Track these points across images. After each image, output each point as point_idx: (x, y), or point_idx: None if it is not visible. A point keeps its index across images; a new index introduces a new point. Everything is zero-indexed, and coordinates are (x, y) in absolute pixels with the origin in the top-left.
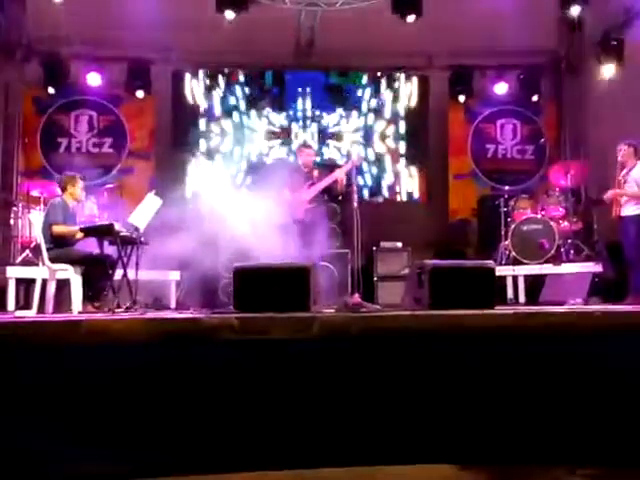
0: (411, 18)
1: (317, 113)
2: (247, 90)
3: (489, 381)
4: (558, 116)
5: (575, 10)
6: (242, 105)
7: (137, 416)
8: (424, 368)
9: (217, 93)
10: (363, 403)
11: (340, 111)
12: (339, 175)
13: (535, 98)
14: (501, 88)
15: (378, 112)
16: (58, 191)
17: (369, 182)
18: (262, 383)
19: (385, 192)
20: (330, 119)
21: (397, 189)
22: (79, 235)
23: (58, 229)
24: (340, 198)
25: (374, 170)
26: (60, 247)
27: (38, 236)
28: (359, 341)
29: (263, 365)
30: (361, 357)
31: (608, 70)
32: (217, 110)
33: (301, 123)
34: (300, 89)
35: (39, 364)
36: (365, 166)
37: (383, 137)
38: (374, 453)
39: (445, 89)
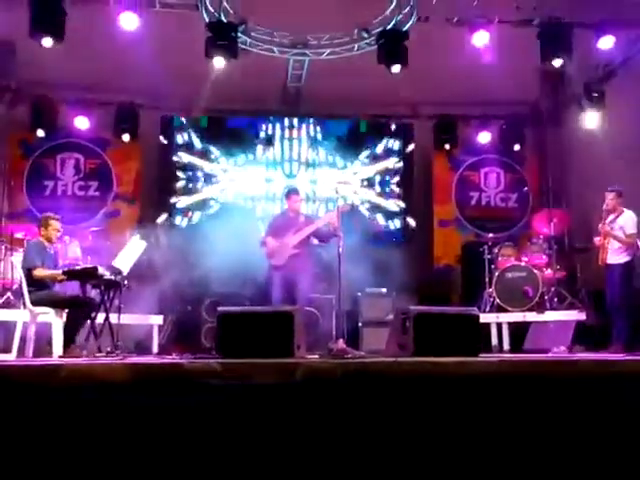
0: (396, 68)
1: (304, 160)
2: (234, 136)
3: (473, 428)
4: (541, 165)
5: (557, 62)
6: (229, 150)
7: (116, 462)
8: (408, 416)
9: (204, 139)
10: (346, 450)
11: (327, 158)
12: (325, 221)
13: (518, 147)
14: (485, 137)
15: (364, 159)
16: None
17: (354, 228)
18: (245, 429)
19: (370, 238)
20: (318, 167)
21: (382, 235)
22: (60, 277)
23: (38, 273)
24: (325, 244)
25: (359, 216)
26: (41, 289)
27: (21, 278)
28: (343, 388)
29: (246, 411)
30: (345, 404)
31: (589, 121)
32: (203, 155)
33: (288, 169)
34: (287, 136)
35: (17, 409)
36: (350, 211)
37: (368, 184)
38: None
39: (430, 137)
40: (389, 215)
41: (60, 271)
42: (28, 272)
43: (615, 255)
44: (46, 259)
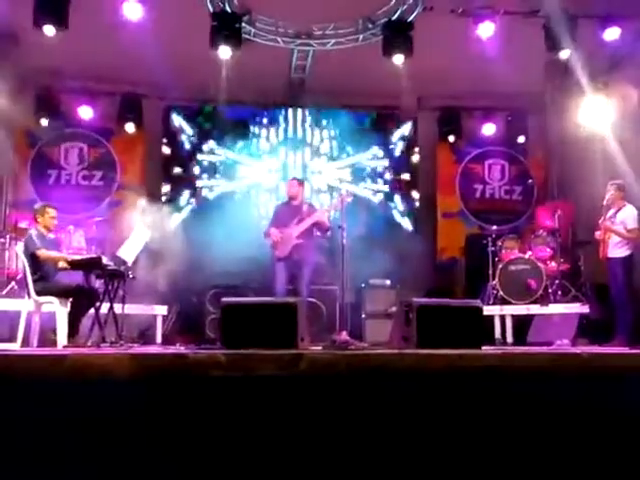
0: (400, 59)
1: (308, 151)
2: (238, 127)
3: (476, 420)
4: (545, 157)
5: (562, 54)
6: (233, 141)
7: (120, 453)
8: (411, 407)
9: (208, 129)
10: (349, 442)
11: (331, 149)
12: (328, 212)
13: (522, 139)
14: (489, 129)
15: (368, 150)
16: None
17: (358, 219)
18: (248, 420)
19: (373, 229)
20: (321, 157)
21: (386, 226)
22: (62, 264)
23: (43, 254)
24: (329, 234)
25: (363, 207)
26: (45, 279)
27: (26, 268)
28: (346, 379)
29: (249, 402)
30: (348, 395)
31: (594, 112)
32: (207, 146)
33: (291, 160)
34: (291, 127)
35: (21, 398)
36: (354, 203)
37: (372, 175)
38: None
39: (434, 129)
40: (393, 207)
41: (65, 254)
42: (32, 256)
43: (616, 249)
44: (47, 245)
